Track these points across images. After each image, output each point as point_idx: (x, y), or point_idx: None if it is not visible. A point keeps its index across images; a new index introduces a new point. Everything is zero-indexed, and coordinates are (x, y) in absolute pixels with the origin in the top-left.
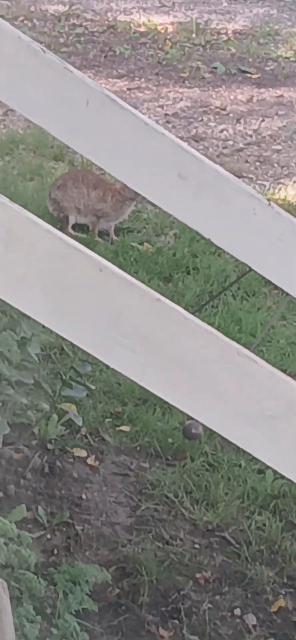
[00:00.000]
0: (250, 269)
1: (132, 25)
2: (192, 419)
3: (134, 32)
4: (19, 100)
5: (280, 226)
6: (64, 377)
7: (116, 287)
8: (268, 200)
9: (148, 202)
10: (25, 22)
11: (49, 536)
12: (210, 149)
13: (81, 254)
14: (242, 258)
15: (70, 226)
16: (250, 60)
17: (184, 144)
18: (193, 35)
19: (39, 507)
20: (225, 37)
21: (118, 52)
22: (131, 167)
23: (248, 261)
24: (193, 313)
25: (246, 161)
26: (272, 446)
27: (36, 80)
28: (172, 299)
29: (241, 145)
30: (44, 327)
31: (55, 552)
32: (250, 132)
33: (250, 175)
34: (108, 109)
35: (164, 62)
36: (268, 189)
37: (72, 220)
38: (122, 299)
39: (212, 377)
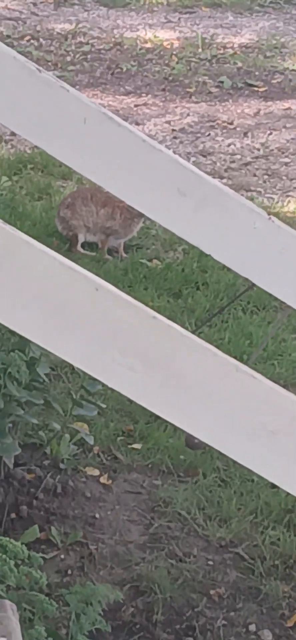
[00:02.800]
0: (253, 284)
1: (138, 41)
2: None
3: (140, 49)
4: (17, 121)
5: (280, 240)
6: (74, 397)
7: (112, 305)
8: (269, 214)
9: None
10: (32, 41)
11: (62, 556)
12: (218, 164)
13: (76, 273)
14: (243, 273)
15: (79, 244)
16: (257, 73)
17: (183, 160)
18: (199, 50)
19: (52, 528)
20: (231, 51)
21: (124, 68)
22: (130, 184)
23: (249, 275)
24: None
25: (255, 175)
26: (273, 461)
27: (33, 100)
28: (181, 315)
29: (249, 159)
30: None
31: (69, 572)
32: (257, 146)
33: (259, 189)
34: (106, 126)
35: (170, 78)
36: (277, 202)
37: (81, 238)
38: (118, 317)
39: (210, 394)
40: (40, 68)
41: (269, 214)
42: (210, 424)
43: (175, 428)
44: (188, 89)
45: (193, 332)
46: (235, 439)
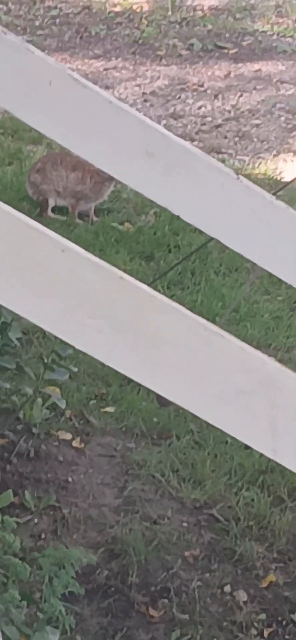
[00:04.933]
0: (218, 241)
1: (107, 5)
2: None
3: (109, 12)
4: None
5: (249, 200)
6: (46, 361)
7: (79, 267)
8: (237, 174)
9: None
10: (1, 6)
11: (36, 520)
12: (189, 126)
13: (42, 235)
14: (212, 233)
15: (50, 209)
16: (227, 35)
17: (151, 122)
18: (169, 12)
19: (26, 492)
20: (201, 14)
21: (94, 32)
22: (97, 147)
23: (218, 236)
24: (158, 279)
25: (225, 137)
26: (243, 422)
27: None
28: (153, 278)
29: (219, 121)
30: None
31: (43, 536)
32: (228, 108)
33: (230, 151)
34: (72, 88)
35: (140, 41)
36: (248, 164)
37: (51, 203)
38: (85, 279)
39: (179, 354)
40: (6, 30)
41: (240, 175)
42: (179, 385)
43: (149, 391)
44: (158, 52)
45: (150, 285)
46: (205, 400)
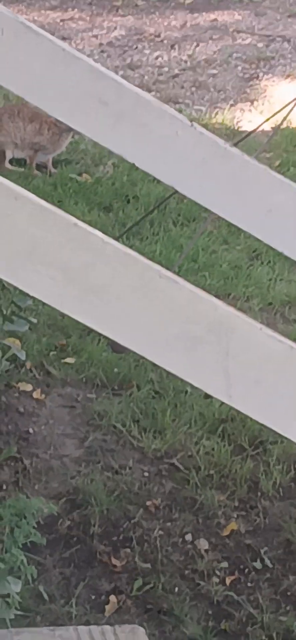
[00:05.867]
0: (176, 191)
1: None
2: None
3: None
4: None
5: (203, 147)
6: (5, 312)
7: (32, 214)
8: (191, 121)
9: None
10: None
11: None
12: (146, 77)
13: None
14: (167, 181)
15: (7, 161)
16: None
17: (104, 69)
18: None
19: None
20: None
21: None
22: (51, 95)
23: (173, 184)
24: (119, 237)
25: (182, 87)
26: (197, 367)
27: None
28: (113, 229)
29: (176, 71)
30: None
31: (4, 487)
32: (184, 58)
33: (187, 101)
34: (24, 36)
35: None
36: (205, 114)
37: (9, 154)
38: (38, 226)
39: (133, 300)
40: None
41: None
42: (133, 330)
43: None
44: (115, 3)
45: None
46: (159, 346)
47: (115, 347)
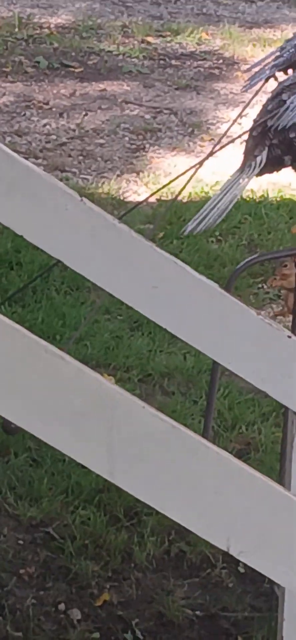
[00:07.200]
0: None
1: None
2: None
3: None
4: None
5: (91, 221)
6: None
7: None
8: (84, 195)
9: None
10: None
11: None
12: (33, 144)
13: None
14: (55, 254)
15: None
16: (73, 54)
17: None
18: (16, 29)
19: None
20: (47, 32)
21: None
22: None
23: (61, 257)
24: (0, 305)
25: (70, 155)
26: (80, 442)
27: None
28: None
29: (64, 139)
30: None
31: None
32: (73, 126)
33: (73, 170)
34: None
35: None
36: (92, 183)
37: None
38: None
39: (19, 375)
40: None
41: (84, 195)
42: (20, 406)
43: None
44: (4, 69)
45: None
46: (43, 421)
47: (7, 428)
